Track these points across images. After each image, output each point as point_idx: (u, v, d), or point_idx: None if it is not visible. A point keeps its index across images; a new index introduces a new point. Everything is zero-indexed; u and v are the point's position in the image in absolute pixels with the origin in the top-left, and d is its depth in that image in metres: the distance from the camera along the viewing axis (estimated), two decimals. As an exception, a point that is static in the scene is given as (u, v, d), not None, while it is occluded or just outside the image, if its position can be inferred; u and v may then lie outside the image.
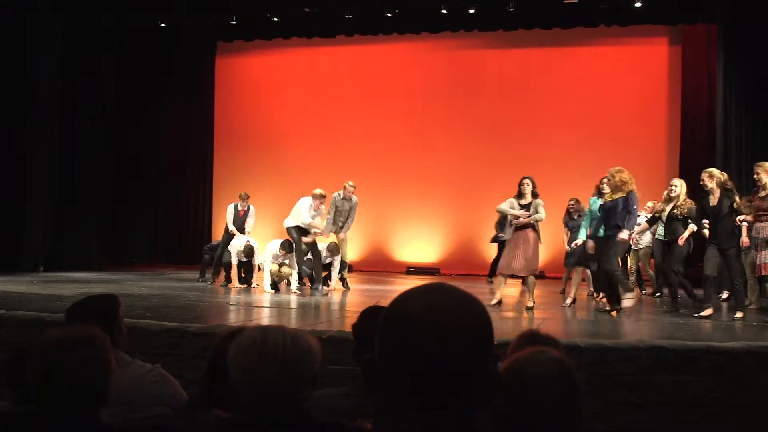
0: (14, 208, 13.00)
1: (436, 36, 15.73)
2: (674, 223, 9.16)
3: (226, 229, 11.91)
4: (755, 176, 8.25)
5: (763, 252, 8.25)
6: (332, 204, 10.93)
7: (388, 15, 15.13)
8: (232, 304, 8.78)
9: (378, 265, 15.39)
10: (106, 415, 2.38)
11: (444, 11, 14.54)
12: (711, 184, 8.46)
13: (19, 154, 13.11)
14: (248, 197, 12.16)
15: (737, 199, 8.59)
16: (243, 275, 11.25)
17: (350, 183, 10.97)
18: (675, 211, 9.15)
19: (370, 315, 3.00)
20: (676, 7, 13.93)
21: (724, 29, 13.07)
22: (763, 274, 8.31)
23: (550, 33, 15.06)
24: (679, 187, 9.31)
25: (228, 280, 11.41)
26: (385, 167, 15.91)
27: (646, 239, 11.68)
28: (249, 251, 10.97)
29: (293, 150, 16.51)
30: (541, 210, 8.90)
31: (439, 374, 1.16)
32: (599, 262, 8.85)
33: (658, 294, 11.22)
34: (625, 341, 5.84)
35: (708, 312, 8.24)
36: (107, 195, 15.24)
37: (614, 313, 8.49)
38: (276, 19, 15.59)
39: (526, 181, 9.09)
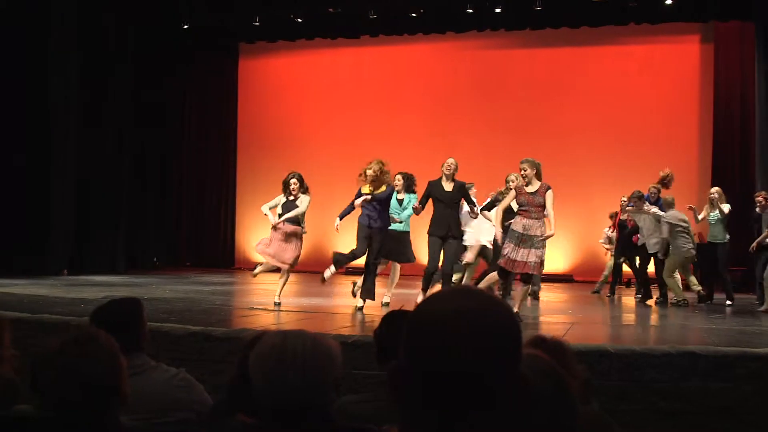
0: (39, 211, 13.07)
1: (461, 36, 15.65)
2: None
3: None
4: (522, 172, 7.92)
5: (526, 249, 7.71)
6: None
7: (413, 15, 15.06)
8: (256, 308, 8.74)
9: (403, 269, 15.28)
10: (130, 419, 2.38)
11: (470, 10, 14.44)
12: (449, 172, 8.61)
13: (43, 157, 13.18)
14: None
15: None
16: None
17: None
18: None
19: (392, 320, 2.97)
20: (708, 3, 13.71)
21: (763, 27, 12.80)
22: (528, 272, 7.81)
23: (579, 32, 14.93)
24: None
25: None
26: (409, 168, 15.77)
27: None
28: None
29: (317, 151, 16.47)
30: (300, 204, 9.04)
31: (465, 379, 1.15)
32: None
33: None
34: (657, 347, 5.74)
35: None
36: (130, 198, 15.25)
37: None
38: (299, 20, 15.57)
39: (293, 180, 9.23)
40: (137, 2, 14.66)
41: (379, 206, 8.80)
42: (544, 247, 7.87)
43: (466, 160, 15.01)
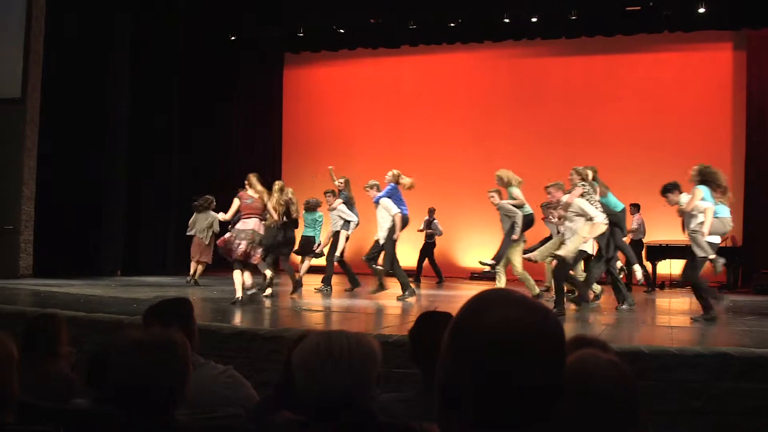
0: (92, 214, 13.39)
1: (498, 45, 15.78)
2: None
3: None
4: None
5: None
6: None
7: (452, 25, 15.22)
8: (302, 309, 8.92)
9: (442, 271, 15.39)
10: (179, 414, 2.45)
11: (506, 20, 14.57)
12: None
13: (96, 162, 13.51)
14: None
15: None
16: None
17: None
18: None
19: (426, 320, 2.99)
20: (740, 12, 13.63)
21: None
22: None
23: (613, 40, 14.94)
24: None
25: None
26: (448, 175, 15.96)
27: None
28: None
29: (358, 158, 16.64)
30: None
31: (511, 388, 1.16)
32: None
33: None
34: (690, 348, 5.73)
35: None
36: (179, 201, 15.50)
37: None
38: (342, 31, 15.84)
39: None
40: (186, 14, 15.03)
41: None
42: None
43: (504, 166, 15.16)
